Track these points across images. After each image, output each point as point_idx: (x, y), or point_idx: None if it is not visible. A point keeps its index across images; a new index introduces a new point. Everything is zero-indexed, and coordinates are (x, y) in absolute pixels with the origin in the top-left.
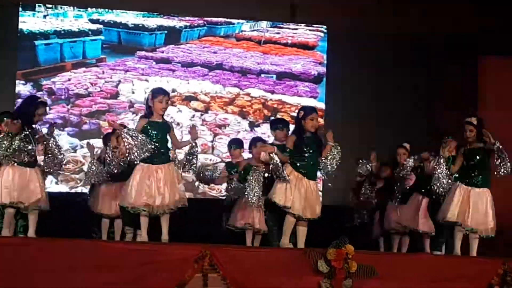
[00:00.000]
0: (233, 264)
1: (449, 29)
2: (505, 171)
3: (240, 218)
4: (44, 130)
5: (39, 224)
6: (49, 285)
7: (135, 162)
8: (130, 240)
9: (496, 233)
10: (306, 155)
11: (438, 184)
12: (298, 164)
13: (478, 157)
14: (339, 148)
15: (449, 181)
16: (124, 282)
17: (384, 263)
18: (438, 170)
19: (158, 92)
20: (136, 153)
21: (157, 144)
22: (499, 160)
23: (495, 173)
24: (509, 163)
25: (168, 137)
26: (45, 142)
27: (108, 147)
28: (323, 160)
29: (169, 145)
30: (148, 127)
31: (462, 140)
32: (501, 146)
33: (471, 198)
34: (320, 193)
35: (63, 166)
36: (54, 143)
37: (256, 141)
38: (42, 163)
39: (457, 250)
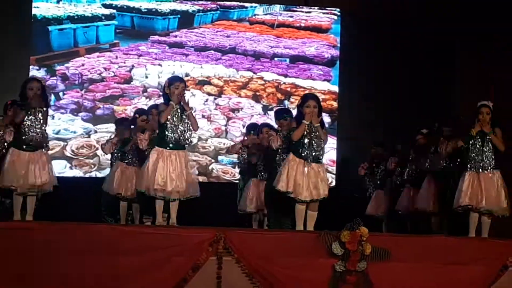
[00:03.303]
0: (248, 247)
1: (464, 13)
2: None
3: (250, 203)
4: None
5: (54, 208)
6: (64, 268)
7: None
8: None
9: None
10: (306, 140)
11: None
12: (299, 150)
13: (489, 141)
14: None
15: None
16: (138, 266)
17: (398, 245)
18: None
19: (174, 79)
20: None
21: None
22: None
23: None
24: None
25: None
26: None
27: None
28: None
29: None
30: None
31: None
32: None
33: (482, 182)
34: (333, 176)
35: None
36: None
37: (262, 127)
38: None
39: (471, 233)
